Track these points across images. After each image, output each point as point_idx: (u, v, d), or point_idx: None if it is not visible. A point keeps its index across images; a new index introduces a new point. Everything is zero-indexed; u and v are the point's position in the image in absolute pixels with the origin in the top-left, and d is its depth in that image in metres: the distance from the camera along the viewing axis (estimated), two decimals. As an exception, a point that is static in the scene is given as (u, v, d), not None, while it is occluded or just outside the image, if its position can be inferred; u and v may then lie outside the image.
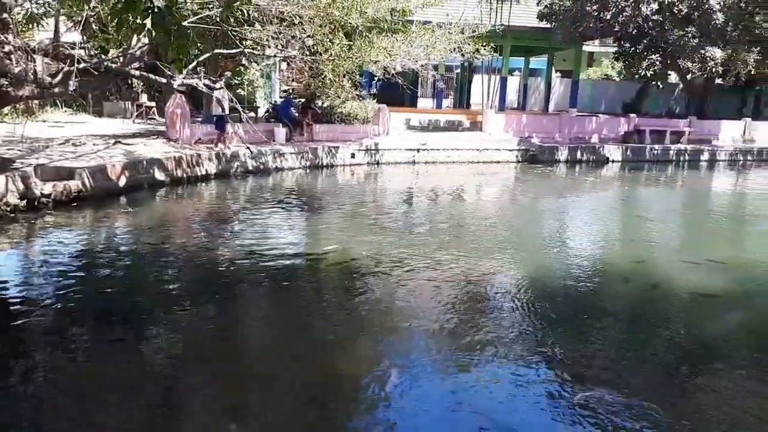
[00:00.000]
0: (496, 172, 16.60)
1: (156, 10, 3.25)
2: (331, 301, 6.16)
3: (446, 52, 14.79)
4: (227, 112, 13.06)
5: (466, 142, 17.68)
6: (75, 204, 9.22)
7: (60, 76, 8.08)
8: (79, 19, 9.01)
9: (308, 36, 10.77)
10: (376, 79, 15.78)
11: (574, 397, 4.20)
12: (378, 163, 16.06)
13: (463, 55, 15.69)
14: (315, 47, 11.10)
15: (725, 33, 19.09)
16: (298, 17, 10.37)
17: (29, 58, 8.03)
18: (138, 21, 3.35)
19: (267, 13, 10.31)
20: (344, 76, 12.39)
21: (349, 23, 11.05)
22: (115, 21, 3.37)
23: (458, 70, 28.37)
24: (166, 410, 4.04)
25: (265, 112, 18.39)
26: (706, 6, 18.31)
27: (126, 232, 8.50)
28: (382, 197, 12.69)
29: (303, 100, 17.45)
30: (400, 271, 6.79)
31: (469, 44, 14.97)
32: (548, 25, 20.39)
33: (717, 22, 18.47)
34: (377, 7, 11.74)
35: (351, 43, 11.88)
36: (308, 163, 14.81)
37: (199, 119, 15.36)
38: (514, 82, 28.92)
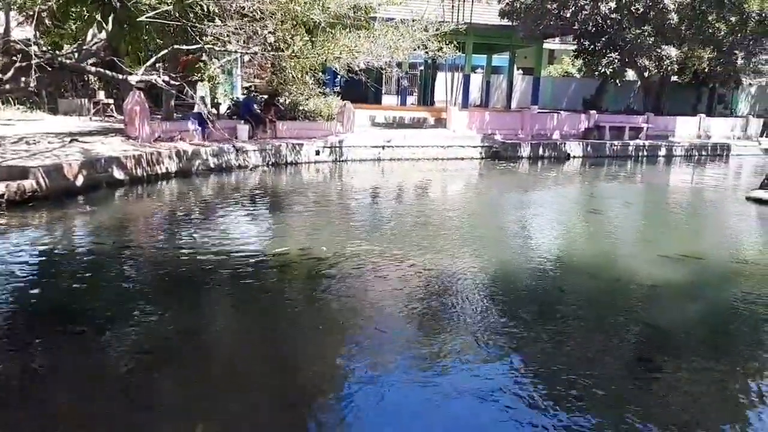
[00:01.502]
0: (461, 168, 16.72)
1: (106, 2, 3.15)
2: (297, 301, 6.10)
3: (410, 49, 14.82)
4: (209, 109, 13.09)
5: (430, 139, 17.77)
6: (30, 204, 8.93)
7: (11, 72, 7.82)
8: (31, 13, 8.72)
9: (270, 32, 10.64)
10: (339, 76, 15.71)
11: (540, 390, 4.26)
12: (343, 161, 16.01)
13: (426, 52, 15.76)
14: (277, 43, 10.98)
15: (680, 32, 19.64)
16: (259, 12, 10.24)
17: (-22, 54, 7.75)
18: (88, 14, 3.25)
19: (227, 8, 10.16)
20: (306, 73, 12.30)
21: (312, 19, 10.97)
22: (62, 12, 3.26)
23: (422, 68, 28.49)
24: (127, 412, 3.94)
25: (227, 109, 18.14)
26: (661, 5, 18.78)
27: (84, 232, 8.28)
28: (347, 195, 12.65)
29: (266, 96, 17.26)
30: (366, 269, 6.78)
31: (432, 42, 15.03)
32: (510, 23, 20.64)
33: (672, 21, 18.98)
34: (340, 3, 11.70)
35: (313, 39, 11.80)
36: (272, 161, 14.66)
37: (159, 116, 15.05)
38: (476, 80, 29.22)
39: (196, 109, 14.46)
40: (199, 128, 14.22)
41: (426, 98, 27.64)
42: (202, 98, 13.30)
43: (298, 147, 15.26)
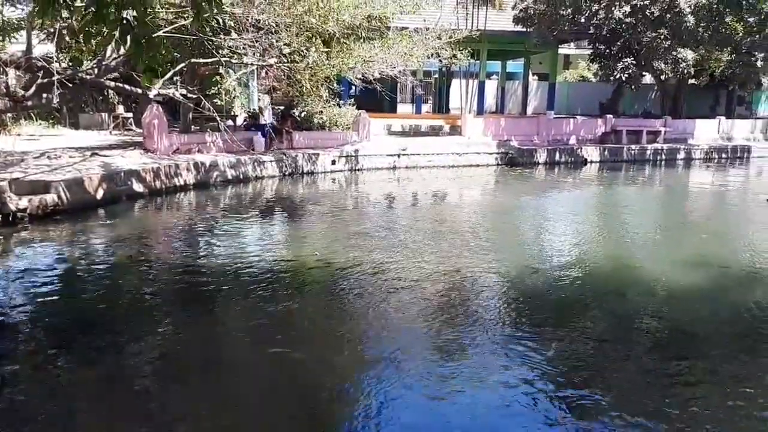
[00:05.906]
0: (477, 175, 16.69)
1: (125, 21, 3.22)
2: (313, 312, 6.12)
3: (424, 57, 14.88)
4: (270, 120, 14.55)
5: (446, 147, 17.77)
6: (53, 218, 9.09)
7: (33, 89, 7.98)
8: (52, 30, 8.91)
9: (285, 44, 10.75)
10: (354, 86, 15.82)
11: (559, 397, 4.23)
12: (359, 170, 16.07)
13: (441, 60, 15.79)
14: (292, 55, 11.09)
15: (696, 34, 19.46)
16: (274, 25, 10.36)
17: (1, 71, 7.93)
18: (109, 33, 3.33)
19: (243, 21, 10.29)
20: (321, 84, 12.39)
21: (326, 31, 11.07)
22: (84, 32, 3.33)
23: (436, 75, 28.52)
24: (145, 424, 3.98)
25: (244, 121, 18.30)
26: (677, 9, 18.65)
27: (104, 245, 8.39)
28: (364, 204, 12.69)
29: (282, 107, 17.41)
30: (383, 278, 6.77)
31: (446, 50, 15.07)
32: (524, 29, 20.61)
33: (688, 24, 18.81)
34: (354, 14, 11.79)
35: (329, 50, 11.90)
36: (288, 171, 14.77)
37: (177, 129, 15.25)
38: (491, 86, 29.16)
39: (261, 121, 15.97)
40: (263, 140, 15.04)
41: (441, 106, 27.64)
42: (260, 109, 14.10)
43: (314, 157, 15.35)
